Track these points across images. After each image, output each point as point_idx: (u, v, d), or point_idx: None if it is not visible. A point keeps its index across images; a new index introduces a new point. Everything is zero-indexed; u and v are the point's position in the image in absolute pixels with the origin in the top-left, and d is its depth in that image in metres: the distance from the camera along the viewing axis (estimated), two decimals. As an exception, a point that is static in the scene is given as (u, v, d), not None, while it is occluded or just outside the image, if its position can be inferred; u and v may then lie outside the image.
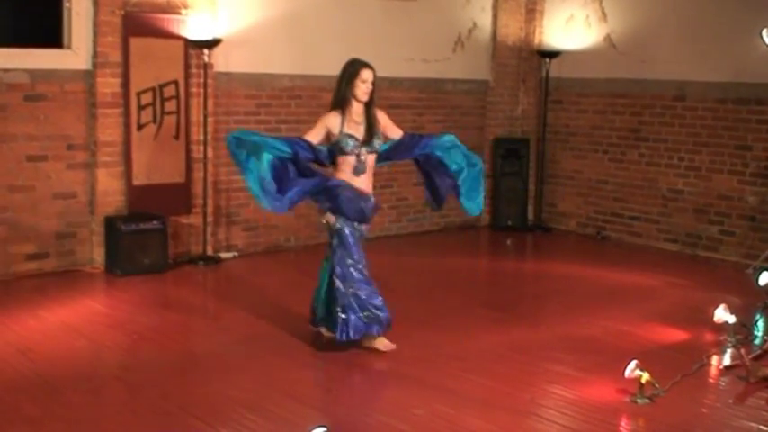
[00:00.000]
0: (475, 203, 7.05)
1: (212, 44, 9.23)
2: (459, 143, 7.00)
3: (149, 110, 9.15)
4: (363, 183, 6.74)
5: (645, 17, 11.10)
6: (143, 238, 8.91)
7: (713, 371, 6.63)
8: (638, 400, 5.84)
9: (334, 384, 6.34)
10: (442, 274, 9.58)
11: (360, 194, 6.71)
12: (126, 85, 8.96)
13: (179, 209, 9.45)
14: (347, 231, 6.71)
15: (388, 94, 10.89)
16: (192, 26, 9.22)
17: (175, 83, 9.29)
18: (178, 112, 9.31)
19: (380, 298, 6.78)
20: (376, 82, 6.74)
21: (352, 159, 6.67)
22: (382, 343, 6.85)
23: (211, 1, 9.35)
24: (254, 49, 9.79)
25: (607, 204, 11.60)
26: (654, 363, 6.13)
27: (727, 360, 6.72)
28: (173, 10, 9.15)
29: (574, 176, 11.99)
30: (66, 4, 8.74)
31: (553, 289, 9.14)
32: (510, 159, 12.04)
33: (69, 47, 8.78)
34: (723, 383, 6.47)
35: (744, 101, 10.15)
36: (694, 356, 6.76)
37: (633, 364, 5.91)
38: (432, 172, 7.03)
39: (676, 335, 7.44)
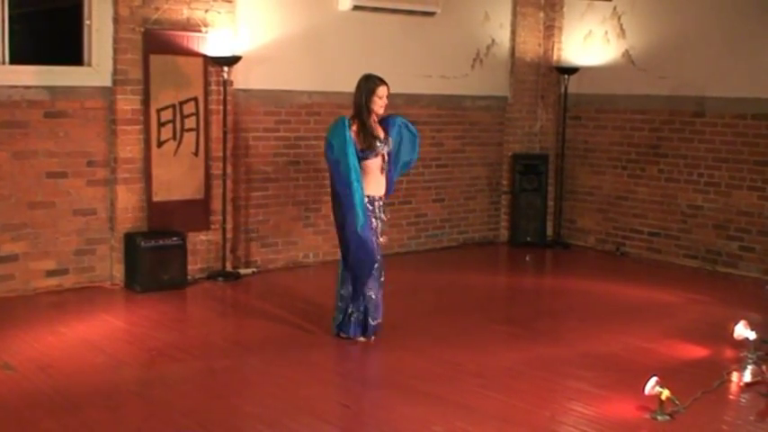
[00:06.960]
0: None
1: (232, 61, 9.26)
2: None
3: (169, 126, 9.18)
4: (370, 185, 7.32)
5: (663, 33, 11.08)
6: (162, 254, 8.94)
7: (734, 387, 6.58)
8: (659, 417, 5.81)
9: (352, 401, 6.33)
10: (460, 290, 9.56)
11: None
12: (146, 101, 9.00)
13: (198, 225, 9.47)
14: None
15: (406, 110, 10.88)
16: (212, 43, 9.26)
17: (195, 100, 9.33)
18: (198, 129, 9.35)
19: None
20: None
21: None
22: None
23: (231, 19, 9.40)
24: (274, 66, 9.84)
25: (626, 220, 11.57)
26: (674, 379, 6.11)
27: (747, 376, 6.66)
28: (193, 28, 9.20)
29: (593, 192, 11.96)
30: (86, 22, 8.80)
31: (572, 305, 9.11)
32: (529, 175, 12.03)
33: (89, 64, 8.84)
34: (744, 400, 6.41)
35: (763, 116, 10.11)
36: (715, 373, 6.73)
37: (653, 380, 5.89)
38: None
39: (696, 351, 7.41)
